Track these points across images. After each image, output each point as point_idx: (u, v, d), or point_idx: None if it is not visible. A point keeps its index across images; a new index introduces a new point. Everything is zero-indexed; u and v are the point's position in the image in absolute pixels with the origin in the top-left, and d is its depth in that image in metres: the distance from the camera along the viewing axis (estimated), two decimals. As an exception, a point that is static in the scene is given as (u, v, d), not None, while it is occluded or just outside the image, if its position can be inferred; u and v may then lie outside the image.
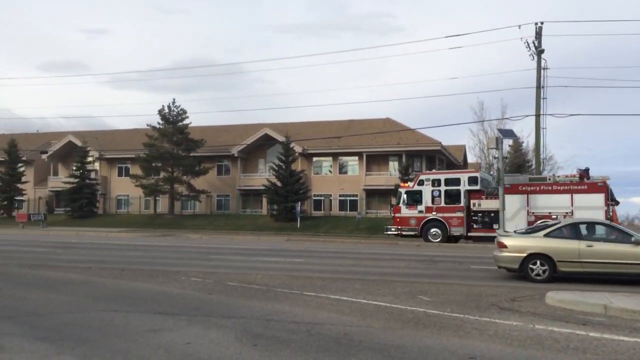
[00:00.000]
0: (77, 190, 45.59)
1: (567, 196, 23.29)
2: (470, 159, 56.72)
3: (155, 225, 39.76)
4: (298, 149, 43.64)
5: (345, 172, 46.05)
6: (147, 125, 44.88)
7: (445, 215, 25.78)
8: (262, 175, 45.76)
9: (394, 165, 43.94)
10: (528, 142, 50.52)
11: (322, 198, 45.04)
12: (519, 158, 49.15)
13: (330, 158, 46.53)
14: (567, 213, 22.85)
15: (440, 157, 46.00)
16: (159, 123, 44.52)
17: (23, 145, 50.52)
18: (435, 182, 26.43)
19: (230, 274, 12.50)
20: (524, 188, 24.29)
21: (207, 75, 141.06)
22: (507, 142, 35.45)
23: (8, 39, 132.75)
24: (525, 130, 74.24)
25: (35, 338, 6.50)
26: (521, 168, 46.38)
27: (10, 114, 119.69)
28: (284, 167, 40.78)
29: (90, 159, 47.66)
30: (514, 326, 7.24)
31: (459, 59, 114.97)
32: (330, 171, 46.48)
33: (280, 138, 43.22)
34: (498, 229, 22.33)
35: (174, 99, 46.28)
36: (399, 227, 26.61)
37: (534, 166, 37.24)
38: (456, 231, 25.72)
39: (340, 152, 45.60)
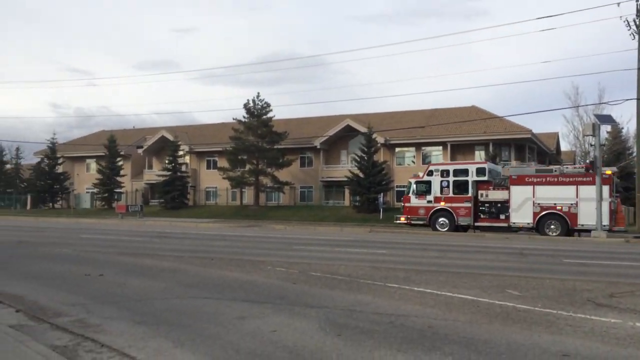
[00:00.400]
0: (170, 182, 48.01)
1: (573, 187, 23.53)
2: (564, 146, 53.90)
3: (242, 216, 41.09)
4: (380, 139, 43.36)
5: (429, 162, 45.14)
6: (233, 119, 46.40)
7: (453, 205, 26.38)
8: (345, 167, 45.91)
9: (480, 155, 42.58)
10: (628, 128, 47.45)
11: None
12: (618, 145, 46.00)
13: (413, 148, 45.88)
14: (571, 204, 23.44)
15: (531, 146, 44.00)
16: (244, 117, 45.84)
17: (121, 140, 53.88)
18: (444, 173, 27.07)
19: (314, 264, 12.67)
20: (530, 179, 24.53)
21: (290, 68, 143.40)
22: (605, 129, 33.79)
23: (106, 40, 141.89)
24: (624, 116, 69.50)
25: (134, 322, 6.92)
26: (621, 156, 43.39)
27: (109, 111, 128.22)
28: (366, 158, 40.69)
29: (181, 152, 49.99)
30: (611, 323, 6.80)
31: (550, 42, 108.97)
32: (413, 162, 45.82)
33: (362, 129, 43.15)
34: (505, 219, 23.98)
35: (258, 93, 47.76)
36: (408, 216, 27.57)
37: (634, 154, 34.72)
38: (463, 221, 26.29)
39: (423, 142, 44.82)
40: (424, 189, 27.38)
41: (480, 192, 26.09)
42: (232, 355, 5.49)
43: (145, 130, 61.53)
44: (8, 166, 65.94)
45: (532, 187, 24.37)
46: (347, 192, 44.76)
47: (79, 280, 10.17)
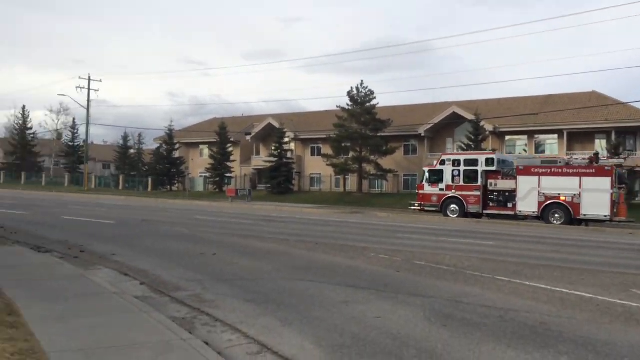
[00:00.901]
0: (276, 168, 49.49)
1: (576, 179, 24.28)
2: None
3: (345, 203, 41.45)
4: (488, 127, 41.63)
5: (543, 152, 42.62)
6: (337, 106, 46.70)
7: (464, 193, 27.50)
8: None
9: (601, 144, 39.46)
10: None
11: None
12: None
13: (525, 137, 43.54)
14: (575, 195, 24.19)
15: (659, 134, 40.06)
16: (348, 104, 46.01)
17: (231, 127, 56.33)
18: (456, 162, 28.20)
19: (418, 253, 12.52)
20: (536, 170, 25.45)
21: (395, 55, 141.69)
22: None
23: (218, 31, 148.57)
24: None
25: (244, 300, 7.26)
26: None
27: (220, 99, 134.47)
28: (473, 146, 39.30)
29: (286, 139, 51.27)
30: None
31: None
32: (525, 150, 43.50)
33: (469, 116, 41.66)
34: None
35: (362, 81, 47.34)
36: (422, 203, 29.01)
37: None
38: (473, 209, 27.27)
39: (536, 130, 42.38)
40: (437, 177, 28.49)
41: (489, 181, 27.11)
42: (337, 338, 5.59)
43: (253, 117, 63.85)
44: (132, 151, 71.52)
45: (537, 177, 25.26)
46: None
47: (195, 258, 10.83)
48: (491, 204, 27.11)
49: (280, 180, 49.22)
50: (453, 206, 27.79)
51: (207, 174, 55.73)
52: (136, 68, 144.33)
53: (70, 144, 72.99)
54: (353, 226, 20.95)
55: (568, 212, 24.43)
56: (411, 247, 13.64)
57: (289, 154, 51.73)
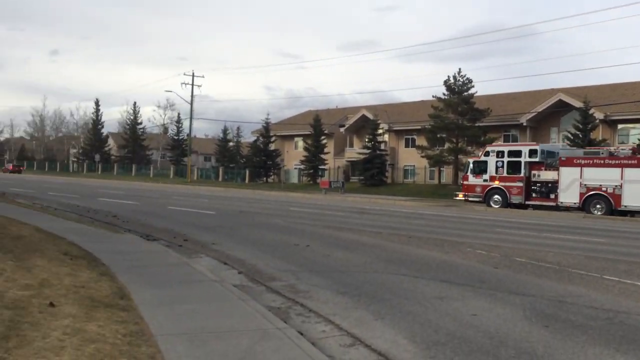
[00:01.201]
0: (369, 160, 49.40)
1: (618, 170, 24.38)
2: None
3: (440, 195, 40.56)
4: (598, 115, 38.81)
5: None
6: (433, 96, 45.68)
7: (507, 184, 28.00)
8: (555, 146, 42.28)
9: None
10: None
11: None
12: None
13: None
14: (616, 186, 24.34)
15: None
16: (444, 94, 44.86)
17: (325, 120, 56.92)
18: (500, 154, 28.75)
19: (517, 249, 11.98)
20: (578, 161, 25.73)
21: (494, 41, 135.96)
22: None
23: (313, 24, 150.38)
24: None
25: (337, 292, 7.34)
26: None
27: (315, 92, 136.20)
28: (581, 136, 36.86)
29: (380, 131, 50.98)
30: None
31: None
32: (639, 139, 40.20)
33: (577, 104, 39.08)
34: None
35: (459, 69, 46.12)
36: (466, 193, 29.75)
37: None
38: (515, 199, 27.67)
39: (653, 118, 38.98)
40: (481, 168, 29.13)
41: (532, 172, 27.54)
42: (431, 335, 5.49)
43: (347, 109, 64.09)
44: (231, 144, 74.54)
45: (579, 168, 25.51)
46: (556, 173, 41.25)
47: (289, 249, 11.10)
48: (534, 195, 27.50)
49: (373, 172, 49.08)
50: (496, 197, 28.41)
51: (302, 166, 56.80)
52: (235, 63, 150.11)
53: (175, 137, 77.43)
54: (448, 219, 20.46)
55: (609, 203, 24.60)
56: (511, 243, 13.08)
57: (382, 146, 51.39)
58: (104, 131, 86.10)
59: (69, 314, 5.07)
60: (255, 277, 8.29)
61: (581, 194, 25.29)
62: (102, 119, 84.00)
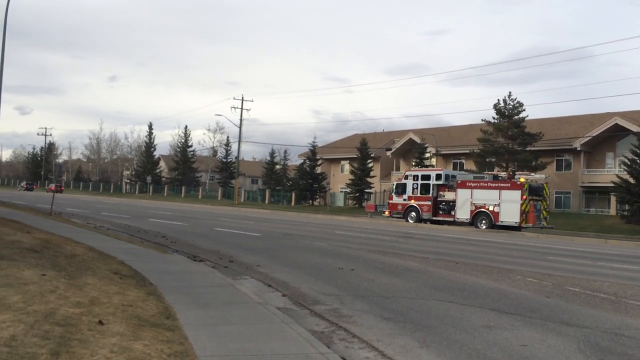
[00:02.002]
0: (416, 184, 48.90)
1: (497, 192, 29.43)
2: None
3: (489, 221, 39.53)
4: (657, 139, 37.22)
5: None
6: (482, 120, 45.02)
7: (420, 203, 33.32)
8: (611, 171, 40.78)
9: None
10: None
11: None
12: None
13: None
14: (495, 205, 29.27)
15: None
16: (493, 118, 44.16)
17: (372, 143, 56.90)
18: (415, 177, 34.30)
19: (571, 277, 11.50)
20: (469, 184, 30.85)
21: (547, 64, 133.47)
22: None
23: (361, 48, 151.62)
24: None
25: (382, 317, 7.21)
26: None
27: (362, 115, 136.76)
28: (638, 161, 35.39)
29: (427, 155, 50.52)
30: None
31: None
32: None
33: (635, 128, 37.67)
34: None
35: (509, 92, 45.40)
36: (391, 210, 35.11)
37: None
38: (426, 215, 32.98)
39: None
40: (402, 189, 34.55)
41: (439, 193, 32.83)
42: (479, 365, 5.30)
43: (394, 133, 63.92)
44: (278, 167, 75.43)
45: (470, 190, 30.64)
46: (613, 199, 39.60)
47: (334, 273, 11.03)
48: (440, 212, 32.72)
49: (420, 197, 48.52)
50: (412, 213, 33.61)
51: (347, 189, 56.75)
52: (284, 87, 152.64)
53: (223, 160, 79.03)
54: (497, 246, 19.90)
55: (490, 219, 29.62)
56: (563, 271, 12.58)
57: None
58: (156, 154, 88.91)
59: (117, 332, 5.18)
60: (299, 300, 8.26)
61: (471, 211, 30.44)
62: (155, 142, 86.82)
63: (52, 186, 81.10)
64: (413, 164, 50.21)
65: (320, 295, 8.67)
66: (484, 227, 29.56)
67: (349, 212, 47.15)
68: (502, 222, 29.12)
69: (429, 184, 33.24)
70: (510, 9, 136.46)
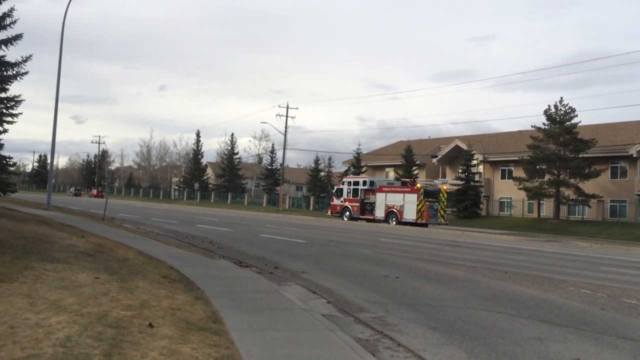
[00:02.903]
0: (462, 192, 48.06)
1: (402, 195, 36.94)
2: None
3: (539, 230, 38.48)
4: None
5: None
6: (532, 126, 43.83)
7: (352, 204, 40.40)
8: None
9: None
10: None
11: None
12: None
13: None
14: (400, 205, 36.68)
15: None
16: (544, 124, 42.92)
17: (417, 150, 56.33)
18: (349, 183, 41.49)
19: (628, 289, 11.03)
20: (384, 189, 38.43)
21: (600, 69, 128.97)
22: None
23: (406, 55, 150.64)
24: None
25: (428, 327, 7.10)
26: None
27: (407, 122, 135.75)
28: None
29: (474, 162, 49.56)
30: None
31: None
32: None
33: (696, 134, 35.88)
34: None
35: (561, 98, 44.17)
36: (332, 211, 42.67)
37: None
38: (355, 215, 39.94)
39: None
40: (340, 193, 41.93)
41: (365, 196, 39.88)
42: (529, 378, 5.14)
43: (439, 139, 63.06)
44: (322, 174, 75.64)
45: (384, 194, 38.08)
46: (671, 208, 37.82)
47: (378, 280, 10.95)
48: (365, 212, 39.60)
49: (466, 204, 47.65)
50: (347, 213, 40.72)
51: (392, 197, 56.26)
52: (328, 95, 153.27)
53: (269, 167, 79.94)
54: (548, 256, 19.29)
55: (397, 216, 36.82)
56: (620, 283, 12.08)
57: (476, 177, 49.91)
58: (203, 161, 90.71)
59: (166, 335, 5.29)
60: (343, 307, 8.24)
61: (385, 211, 37.67)
62: (202, 149, 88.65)
63: (95, 191, 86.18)
64: (459, 171, 49.38)
65: (365, 302, 8.62)
66: (393, 223, 36.66)
67: (393, 220, 46.65)
68: (405, 219, 36.32)
69: (358, 189, 40.38)
70: (560, 12, 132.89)
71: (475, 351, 6.01)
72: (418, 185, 37.24)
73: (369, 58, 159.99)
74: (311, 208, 64.63)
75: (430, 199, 36.42)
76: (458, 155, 52.44)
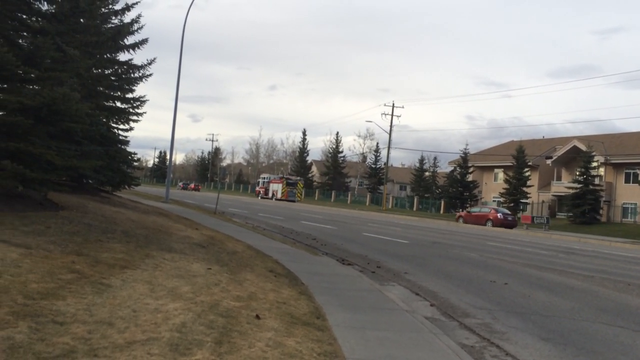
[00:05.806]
0: (580, 196, 45.02)
1: (278, 184, 64.61)
2: None
3: (668, 239, 35.00)
4: None
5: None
6: (661, 126, 40.03)
7: (261, 190, 68.30)
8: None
9: None
10: None
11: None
12: None
13: None
14: (275, 190, 64.68)
15: None
16: (676, 123, 39.01)
17: (529, 150, 53.53)
18: (263, 178, 70.92)
19: None
20: (272, 181, 66.93)
21: None
22: None
23: (521, 51, 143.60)
24: None
25: (539, 337, 6.73)
26: None
27: (520, 122, 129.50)
28: None
29: (594, 164, 46.22)
30: None
31: None
32: None
33: None
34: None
35: (696, 94, 39.58)
36: (258, 193, 70.11)
37: None
38: (261, 197, 66.54)
39: None
40: (261, 184, 70.18)
41: (270, 185, 66.28)
42: (655, 402, 4.69)
43: (554, 140, 59.47)
44: (427, 174, 74.27)
45: (272, 184, 65.88)
46: None
47: (485, 286, 10.54)
48: (269, 195, 64.50)
49: (584, 209, 44.58)
50: (261, 195, 67.03)
51: (501, 199, 54.01)
52: (436, 93, 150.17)
53: (372, 166, 79.97)
54: (679, 268, 17.47)
55: (275, 196, 63.40)
56: None
57: (596, 180, 46.49)
58: (309, 159, 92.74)
59: (272, 327, 5.47)
60: (447, 311, 8.03)
61: (272, 194, 64.02)
62: (308, 148, 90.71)
63: (192, 185, 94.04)
64: (577, 173, 46.28)
65: (470, 307, 8.35)
66: (274, 200, 61.77)
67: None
68: (276, 198, 62.46)
69: (265, 181, 68.69)
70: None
71: (592, 367, 5.60)
72: (283, 178, 65.84)
73: (480, 54, 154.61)
74: (415, 208, 63.74)
75: (290, 186, 63.98)
76: (576, 156, 49.19)
